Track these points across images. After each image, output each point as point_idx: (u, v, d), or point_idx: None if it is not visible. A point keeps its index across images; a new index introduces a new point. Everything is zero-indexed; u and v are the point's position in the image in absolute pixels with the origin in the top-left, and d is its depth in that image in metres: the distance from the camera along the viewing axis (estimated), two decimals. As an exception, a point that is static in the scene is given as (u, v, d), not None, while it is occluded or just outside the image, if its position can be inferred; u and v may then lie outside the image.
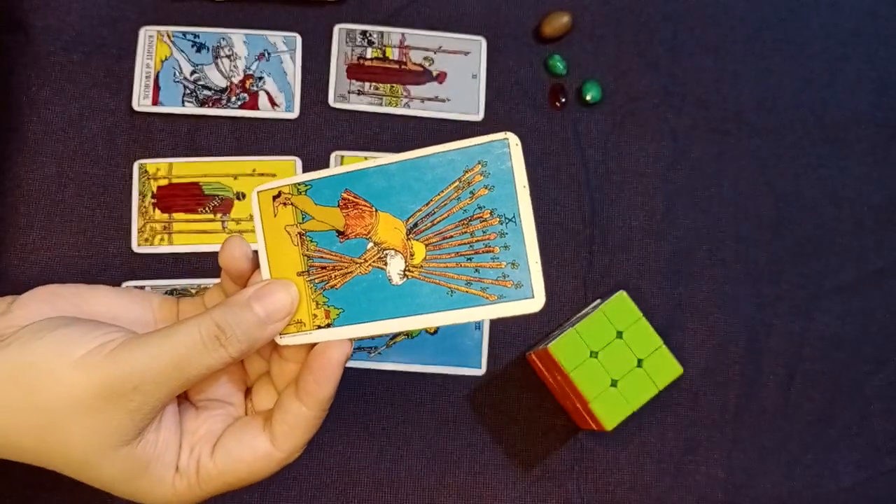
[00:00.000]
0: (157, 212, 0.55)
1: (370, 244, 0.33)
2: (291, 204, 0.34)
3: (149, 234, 0.55)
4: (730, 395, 0.56)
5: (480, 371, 0.55)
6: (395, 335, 0.54)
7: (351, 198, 0.33)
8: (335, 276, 0.33)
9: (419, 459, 0.53)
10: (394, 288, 0.33)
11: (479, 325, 0.55)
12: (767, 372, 0.56)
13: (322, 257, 0.34)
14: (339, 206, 0.34)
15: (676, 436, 0.55)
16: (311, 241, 0.34)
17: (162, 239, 0.55)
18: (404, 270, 0.33)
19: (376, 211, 0.33)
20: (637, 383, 0.49)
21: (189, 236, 0.55)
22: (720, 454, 0.55)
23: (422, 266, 0.32)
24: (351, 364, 0.54)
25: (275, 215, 0.35)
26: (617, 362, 0.50)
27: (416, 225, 0.33)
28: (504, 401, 0.55)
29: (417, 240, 0.33)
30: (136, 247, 0.54)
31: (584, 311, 0.55)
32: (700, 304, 0.57)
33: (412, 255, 0.32)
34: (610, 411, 0.49)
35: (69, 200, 0.54)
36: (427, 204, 0.32)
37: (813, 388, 0.56)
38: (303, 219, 0.34)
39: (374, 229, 0.33)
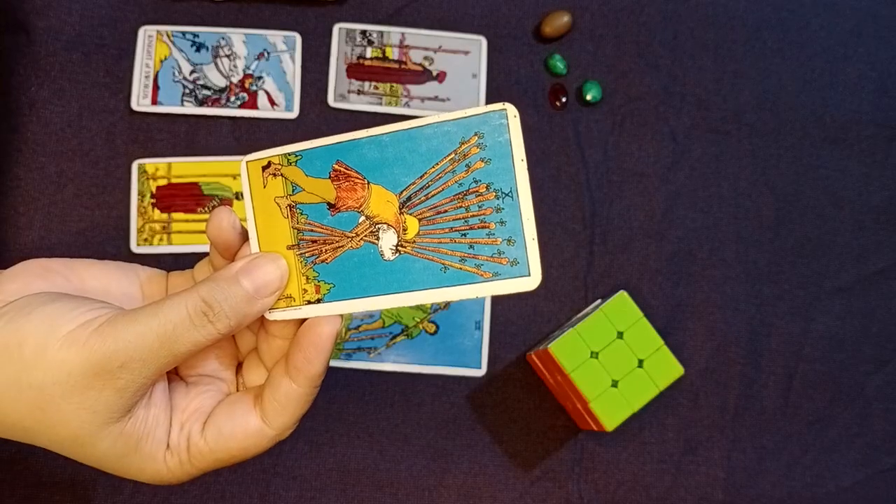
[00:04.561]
0: (157, 212, 0.55)
1: (362, 218, 0.32)
2: (281, 175, 0.33)
3: (148, 235, 0.54)
4: (730, 395, 0.56)
5: (480, 371, 0.54)
6: (395, 335, 0.54)
7: (342, 169, 0.32)
8: (326, 251, 0.32)
9: (419, 459, 0.53)
10: (386, 263, 0.31)
11: (479, 325, 0.55)
12: (767, 372, 0.56)
13: (312, 231, 0.33)
14: (330, 177, 0.32)
15: (676, 436, 0.55)
16: (302, 214, 0.33)
17: (161, 239, 0.55)
18: (397, 245, 0.31)
19: (368, 183, 0.32)
20: (638, 384, 0.49)
21: (188, 236, 0.55)
22: (720, 454, 0.55)
23: (415, 241, 0.31)
24: (351, 364, 0.54)
25: (264, 186, 0.33)
26: (617, 363, 0.49)
27: (409, 198, 0.31)
28: (504, 401, 0.55)
29: (411, 214, 0.31)
30: (136, 247, 0.54)
31: (584, 312, 0.55)
32: (700, 304, 0.57)
33: (405, 229, 0.31)
34: (610, 412, 0.49)
35: (68, 200, 0.54)
36: (421, 177, 0.31)
37: (813, 388, 0.56)
38: (293, 190, 0.33)
39: (367, 202, 0.32)
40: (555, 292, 0.56)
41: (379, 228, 0.32)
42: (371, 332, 0.54)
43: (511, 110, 0.30)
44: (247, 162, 0.34)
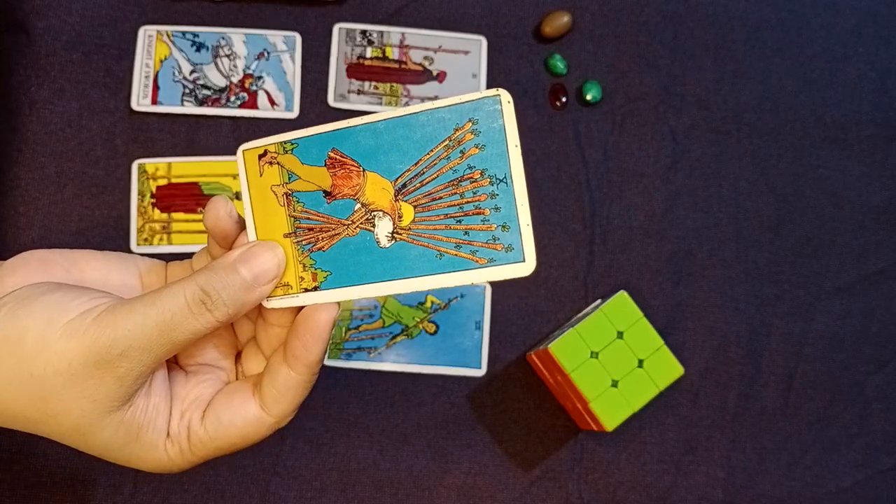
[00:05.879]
0: (157, 212, 0.55)
1: (358, 205, 0.32)
2: (277, 163, 0.33)
3: (148, 234, 0.55)
4: (730, 395, 0.56)
5: (480, 371, 0.54)
6: (395, 335, 0.54)
7: (338, 157, 0.32)
8: (322, 238, 0.33)
9: (419, 459, 0.53)
10: (382, 250, 0.32)
11: (479, 325, 0.55)
12: (767, 372, 0.56)
13: (309, 218, 0.33)
14: (325, 165, 0.32)
15: (676, 436, 0.55)
16: (298, 202, 0.33)
17: (161, 239, 0.55)
18: (392, 232, 0.32)
19: (364, 171, 0.32)
20: (638, 384, 0.49)
21: (188, 236, 0.55)
22: (720, 454, 0.55)
23: (410, 228, 0.31)
24: (351, 364, 0.54)
25: (261, 175, 0.34)
26: (617, 363, 0.50)
27: (404, 185, 0.31)
28: (504, 401, 0.55)
29: (406, 201, 0.31)
30: (136, 247, 0.54)
31: (584, 312, 0.55)
32: (700, 304, 0.57)
33: (401, 216, 0.31)
34: (610, 412, 0.49)
35: (68, 200, 0.54)
36: (416, 164, 0.31)
37: (813, 388, 0.56)
38: (289, 178, 0.33)
39: (362, 190, 0.32)
40: (555, 292, 0.56)
41: (375, 216, 0.32)
42: (371, 332, 0.54)
43: (504, 96, 0.30)
44: (243, 150, 0.34)
